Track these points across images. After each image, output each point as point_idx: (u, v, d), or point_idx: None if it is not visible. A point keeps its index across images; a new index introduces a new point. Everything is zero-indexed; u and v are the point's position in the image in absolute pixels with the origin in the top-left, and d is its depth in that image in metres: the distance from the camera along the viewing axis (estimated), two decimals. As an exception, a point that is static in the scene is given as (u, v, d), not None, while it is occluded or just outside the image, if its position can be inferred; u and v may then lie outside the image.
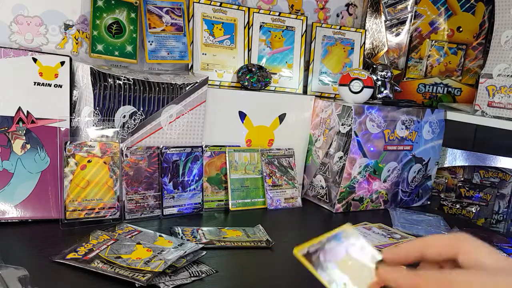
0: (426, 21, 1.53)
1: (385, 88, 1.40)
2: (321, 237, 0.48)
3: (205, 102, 1.16)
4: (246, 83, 1.27)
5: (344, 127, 1.25)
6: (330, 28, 1.45)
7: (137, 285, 0.73)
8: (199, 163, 1.16)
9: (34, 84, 1.01)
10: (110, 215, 1.01)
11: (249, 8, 1.33)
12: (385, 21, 1.52)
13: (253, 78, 1.28)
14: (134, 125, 1.07)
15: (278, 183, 1.28)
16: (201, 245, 0.90)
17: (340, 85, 1.29)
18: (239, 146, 1.25)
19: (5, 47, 1.00)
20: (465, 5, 1.52)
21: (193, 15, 1.24)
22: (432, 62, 1.55)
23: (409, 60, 1.55)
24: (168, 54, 1.19)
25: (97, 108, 1.02)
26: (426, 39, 1.54)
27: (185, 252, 0.84)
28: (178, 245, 0.89)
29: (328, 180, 1.29)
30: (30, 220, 0.98)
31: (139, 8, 1.17)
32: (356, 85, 1.26)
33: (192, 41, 1.24)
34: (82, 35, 1.14)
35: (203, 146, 1.17)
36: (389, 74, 1.41)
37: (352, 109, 1.23)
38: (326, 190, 1.30)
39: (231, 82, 1.30)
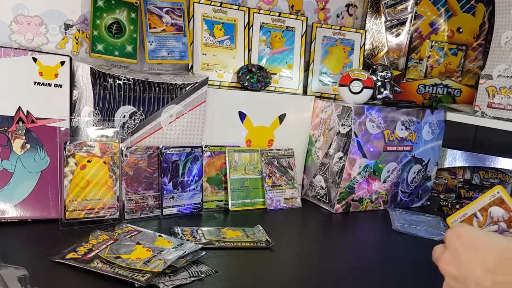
0: (426, 22, 1.53)
1: (385, 89, 1.40)
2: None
3: (205, 102, 1.16)
4: (246, 83, 1.27)
5: (344, 128, 1.25)
6: (330, 28, 1.45)
7: (136, 285, 0.73)
8: (199, 163, 1.16)
9: (34, 84, 1.01)
10: (110, 215, 1.01)
11: (249, 9, 1.33)
12: (385, 22, 1.52)
13: (253, 78, 1.28)
14: (134, 125, 1.07)
15: (277, 183, 1.28)
16: (200, 245, 0.90)
17: (340, 85, 1.29)
18: (239, 146, 1.25)
19: (5, 47, 1.00)
20: (465, 6, 1.52)
21: (193, 15, 1.24)
22: (432, 63, 1.55)
23: (409, 60, 1.55)
24: (168, 54, 1.19)
25: (97, 108, 1.02)
26: (426, 40, 1.54)
27: (185, 252, 0.84)
28: (178, 245, 0.89)
29: (328, 180, 1.29)
30: (29, 220, 0.98)
31: (139, 8, 1.17)
32: (356, 86, 1.26)
33: (192, 41, 1.24)
34: (82, 35, 1.14)
35: (203, 146, 1.17)
36: (389, 74, 1.41)
37: (352, 110, 1.23)
38: (325, 191, 1.30)
39: (231, 82, 1.30)
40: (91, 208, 0.99)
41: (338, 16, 1.51)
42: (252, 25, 1.33)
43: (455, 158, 1.54)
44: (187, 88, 1.12)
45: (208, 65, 1.27)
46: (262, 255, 0.95)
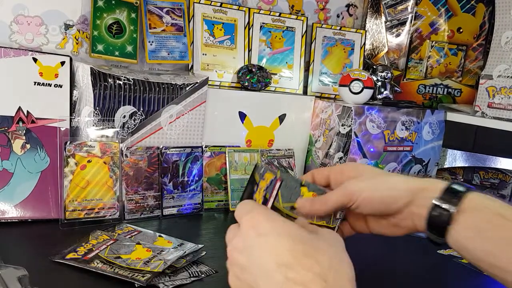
0: (427, 22, 1.53)
1: (385, 89, 1.40)
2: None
3: (205, 102, 1.16)
4: (246, 84, 1.27)
5: (344, 128, 1.25)
6: (331, 28, 1.45)
7: (136, 285, 0.73)
8: (199, 164, 1.16)
9: (34, 84, 1.01)
10: (110, 215, 1.01)
11: (249, 9, 1.33)
12: (386, 22, 1.52)
13: (253, 78, 1.28)
14: (134, 125, 1.07)
15: (278, 183, 1.28)
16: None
17: (340, 85, 1.29)
18: (239, 146, 1.25)
19: (5, 47, 1.00)
20: (466, 6, 1.52)
21: (193, 16, 1.24)
22: (432, 63, 1.55)
23: (409, 61, 1.55)
24: (168, 54, 1.19)
25: (97, 108, 1.02)
26: (426, 40, 1.54)
27: (185, 252, 0.84)
28: (178, 245, 0.89)
29: (328, 180, 1.29)
30: (30, 220, 0.98)
31: (139, 8, 1.17)
32: (356, 86, 1.26)
33: (193, 42, 1.24)
34: (82, 35, 1.14)
35: (203, 147, 1.17)
36: (389, 75, 1.41)
37: (352, 110, 1.23)
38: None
39: (231, 82, 1.30)
40: (91, 208, 0.99)
41: (338, 16, 1.51)
42: (252, 25, 1.33)
43: (455, 158, 1.54)
44: (187, 88, 1.12)
45: (208, 65, 1.27)
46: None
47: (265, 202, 0.60)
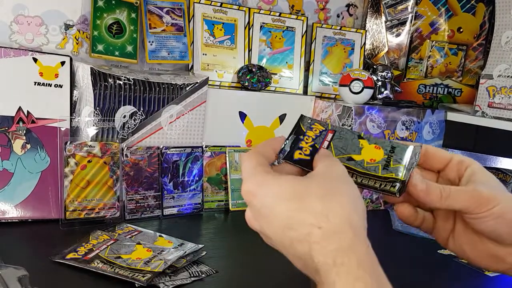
0: (427, 22, 1.53)
1: (386, 89, 1.40)
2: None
3: (205, 102, 1.16)
4: (247, 84, 1.27)
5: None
6: (331, 28, 1.45)
7: (137, 285, 0.73)
8: (199, 163, 1.15)
9: (35, 84, 1.01)
10: (110, 215, 1.01)
11: (249, 9, 1.33)
12: (386, 22, 1.52)
13: (254, 78, 1.28)
14: (134, 125, 1.07)
15: (278, 183, 1.28)
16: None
17: (341, 85, 1.29)
18: (239, 146, 1.25)
19: (5, 47, 1.00)
20: (466, 5, 1.52)
21: (193, 15, 1.24)
22: (432, 62, 1.55)
23: (409, 60, 1.55)
24: (168, 54, 1.19)
25: (97, 108, 1.02)
26: (426, 40, 1.54)
27: (185, 252, 0.84)
28: (178, 245, 0.89)
29: (328, 180, 1.29)
30: (30, 220, 0.98)
31: (139, 8, 1.17)
32: (356, 86, 1.26)
33: (193, 41, 1.24)
34: (82, 35, 1.14)
35: (203, 146, 1.17)
36: (389, 74, 1.41)
37: (352, 110, 1.23)
38: (326, 191, 1.30)
39: (232, 82, 1.30)
40: (92, 208, 0.99)
41: (338, 16, 1.51)
42: (253, 25, 1.33)
43: (456, 158, 1.53)
44: (187, 88, 1.12)
45: (208, 65, 1.27)
46: (263, 254, 0.95)
47: (314, 152, 0.56)
